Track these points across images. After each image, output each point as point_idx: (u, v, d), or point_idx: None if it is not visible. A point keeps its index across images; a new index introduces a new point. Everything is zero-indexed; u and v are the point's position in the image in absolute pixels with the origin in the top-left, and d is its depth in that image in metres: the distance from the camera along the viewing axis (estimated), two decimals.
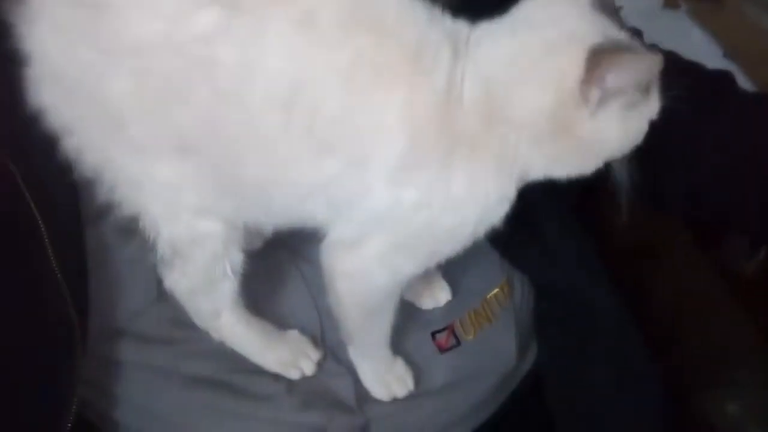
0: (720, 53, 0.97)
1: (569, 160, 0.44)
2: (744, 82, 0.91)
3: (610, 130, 0.42)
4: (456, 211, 0.43)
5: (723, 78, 0.63)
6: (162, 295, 0.53)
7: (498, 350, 0.61)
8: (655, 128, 0.60)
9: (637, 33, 0.69)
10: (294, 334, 0.56)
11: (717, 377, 0.87)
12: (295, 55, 0.40)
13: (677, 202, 0.65)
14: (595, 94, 0.40)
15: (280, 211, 0.46)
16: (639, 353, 0.64)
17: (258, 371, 0.55)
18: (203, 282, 0.50)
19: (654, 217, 0.86)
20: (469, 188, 0.42)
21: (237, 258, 0.49)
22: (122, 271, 0.53)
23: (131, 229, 0.48)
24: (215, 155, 0.43)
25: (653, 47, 0.67)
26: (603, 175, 0.61)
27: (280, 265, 0.57)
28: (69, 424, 0.47)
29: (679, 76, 0.61)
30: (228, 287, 0.51)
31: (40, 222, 0.45)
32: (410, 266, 0.47)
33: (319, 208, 0.45)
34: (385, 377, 0.56)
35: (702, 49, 0.97)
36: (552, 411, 0.63)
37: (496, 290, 0.63)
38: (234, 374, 0.54)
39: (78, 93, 0.43)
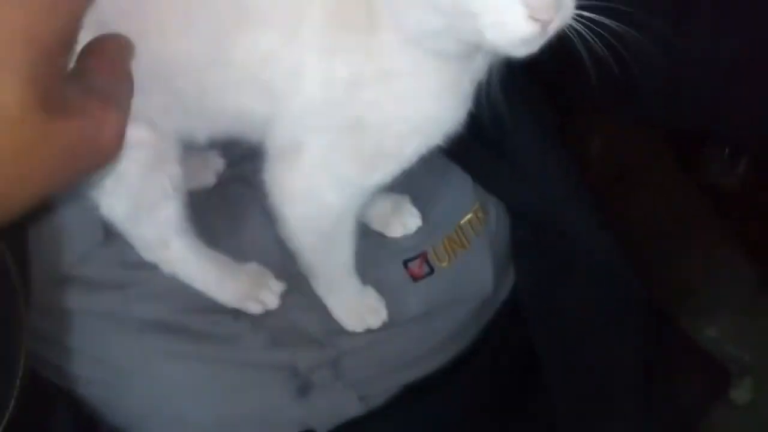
0: None
1: None
2: None
3: None
4: (389, 87, 0.38)
5: None
6: (109, 238, 0.50)
7: (474, 277, 0.59)
8: (628, 31, 0.58)
9: None
10: (253, 266, 0.53)
11: (697, 302, 0.88)
12: None
13: (656, 110, 0.62)
14: None
15: (213, 108, 0.42)
16: (621, 277, 0.62)
17: (217, 310, 0.52)
18: (141, 202, 0.46)
19: (633, 138, 0.84)
20: (400, 61, 0.37)
21: (175, 172, 0.45)
22: (64, 214, 0.49)
23: None
24: (136, 26, 0.38)
25: None
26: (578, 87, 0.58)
27: (236, 197, 0.53)
28: (18, 377, 0.44)
29: None
30: (172, 208, 0.47)
31: None
32: (357, 174, 0.43)
33: (255, 98, 0.40)
34: (356, 308, 0.53)
35: None
36: (532, 338, 0.61)
37: (469, 215, 0.60)
38: (191, 315, 0.51)
39: None
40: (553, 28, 0.33)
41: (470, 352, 0.60)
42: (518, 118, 0.50)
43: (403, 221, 0.57)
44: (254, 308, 0.51)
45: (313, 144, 0.41)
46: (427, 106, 0.40)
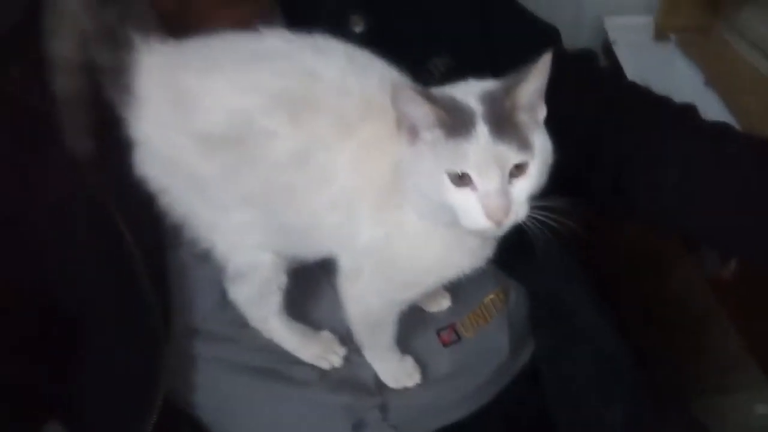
0: (702, 81, 1.01)
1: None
2: (722, 110, 0.96)
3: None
4: (410, 243, 0.57)
5: (687, 108, 0.72)
6: (226, 302, 0.68)
7: (493, 346, 0.74)
8: (621, 149, 0.71)
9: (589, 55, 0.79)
10: (326, 334, 0.70)
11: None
12: (326, 147, 0.55)
13: (648, 219, 0.75)
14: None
15: (311, 248, 0.62)
16: (619, 354, 0.76)
17: (298, 362, 0.69)
18: (257, 296, 0.65)
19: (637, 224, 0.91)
20: (417, 227, 0.56)
21: (283, 279, 0.65)
22: (196, 284, 0.68)
23: (204, 254, 0.64)
24: (269, 209, 0.59)
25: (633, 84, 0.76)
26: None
27: (316, 279, 0.69)
28: (158, 402, 0.64)
29: (644, 108, 0.72)
30: (275, 300, 0.66)
31: (132, 246, 0.61)
32: (395, 294, 0.62)
33: (333, 246, 0.61)
34: (395, 372, 0.70)
35: (685, 77, 1.03)
36: (546, 398, 0.75)
37: (491, 296, 0.76)
38: (280, 364, 0.69)
39: (172, 168, 0.58)
40: (507, 224, 0.50)
41: (492, 406, 0.74)
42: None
43: (438, 301, 0.74)
44: (324, 365, 0.69)
45: (365, 273, 0.61)
46: (437, 258, 0.58)
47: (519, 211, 0.51)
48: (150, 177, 0.59)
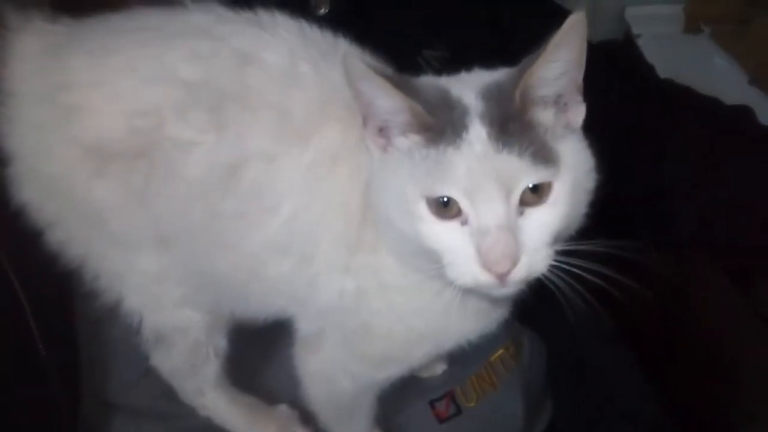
0: (745, 80, 0.91)
1: None
2: None
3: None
4: (391, 300, 0.40)
5: (741, 114, 0.60)
6: (152, 369, 0.54)
7: (503, 417, 0.59)
8: (670, 167, 0.58)
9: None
10: (283, 408, 0.55)
11: None
12: (266, 158, 0.40)
13: (698, 243, 0.62)
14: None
15: (254, 305, 0.47)
16: (656, 416, 0.60)
17: None
18: (186, 365, 0.51)
19: (687, 258, 0.81)
20: (401, 278, 0.40)
21: (221, 343, 0.51)
22: (113, 346, 0.55)
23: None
24: (190, 249, 0.44)
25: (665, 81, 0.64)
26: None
27: (272, 339, 0.57)
28: None
29: (694, 113, 0.59)
30: (211, 369, 0.52)
31: (24, 302, 0.46)
32: (371, 372, 0.46)
33: (283, 302, 0.45)
34: None
35: (725, 75, 0.93)
36: None
37: (500, 351, 0.61)
38: None
39: (57, 191, 0.44)
40: (516, 279, 0.34)
41: None
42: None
43: (429, 365, 0.58)
44: None
45: (329, 340, 0.45)
46: (431, 323, 0.42)
47: (536, 259, 0.34)
48: (31, 204, 0.45)
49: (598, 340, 0.63)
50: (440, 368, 0.58)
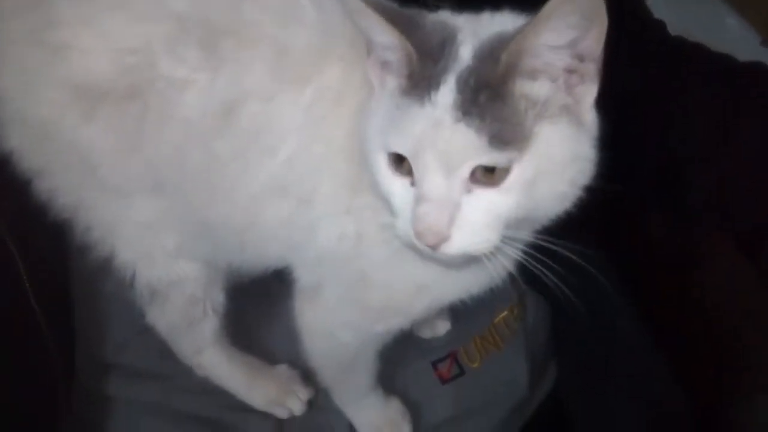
0: (757, 41, 0.90)
1: None
2: None
3: None
4: (392, 247, 0.38)
5: (755, 71, 0.58)
6: (148, 327, 0.52)
7: (507, 378, 0.58)
8: (680, 135, 0.57)
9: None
10: (283, 369, 0.54)
11: None
12: (264, 97, 0.38)
13: (706, 211, 0.60)
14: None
15: (251, 254, 0.45)
16: (663, 379, 0.59)
17: (246, 409, 0.53)
18: (183, 321, 0.49)
19: (692, 226, 0.80)
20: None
21: (218, 298, 0.49)
22: (107, 303, 0.53)
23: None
24: (186, 195, 0.42)
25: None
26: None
27: (271, 296, 0.55)
28: None
29: (706, 76, 0.57)
30: (209, 326, 0.50)
31: (17, 257, 0.45)
32: (372, 324, 0.44)
33: (281, 250, 0.43)
34: (376, 423, 0.53)
35: (737, 37, 0.91)
36: None
37: (504, 313, 0.60)
38: (223, 411, 0.53)
39: (45, 137, 0.42)
40: (448, 253, 0.32)
41: None
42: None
43: (432, 324, 0.57)
44: (281, 413, 0.53)
45: (328, 291, 0.43)
46: (432, 273, 0.39)
47: (470, 236, 0.32)
48: (19, 152, 0.43)
49: (604, 304, 0.62)
50: (443, 328, 0.57)
